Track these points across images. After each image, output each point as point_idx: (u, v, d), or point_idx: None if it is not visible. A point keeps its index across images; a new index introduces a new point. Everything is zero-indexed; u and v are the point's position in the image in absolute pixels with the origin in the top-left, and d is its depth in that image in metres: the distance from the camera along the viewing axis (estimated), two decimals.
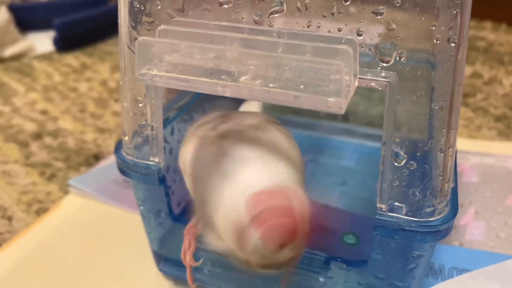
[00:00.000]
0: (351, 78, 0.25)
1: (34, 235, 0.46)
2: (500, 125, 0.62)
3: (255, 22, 0.29)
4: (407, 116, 0.28)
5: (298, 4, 0.27)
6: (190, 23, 0.30)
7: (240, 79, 0.26)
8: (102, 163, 0.57)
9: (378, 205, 0.29)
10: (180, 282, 0.40)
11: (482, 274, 0.38)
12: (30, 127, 0.65)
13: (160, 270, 0.40)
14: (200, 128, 0.32)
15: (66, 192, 0.52)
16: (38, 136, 0.63)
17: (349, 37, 0.26)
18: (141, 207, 0.38)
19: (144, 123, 0.34)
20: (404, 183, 0.29)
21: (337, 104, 0.25)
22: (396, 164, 0.28)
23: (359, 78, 0.27)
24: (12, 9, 0.92)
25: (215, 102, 0.47)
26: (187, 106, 0.42)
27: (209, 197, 0.28)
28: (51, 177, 0.55)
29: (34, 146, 0.61)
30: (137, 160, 0.35)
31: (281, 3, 0.28)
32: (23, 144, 0.61)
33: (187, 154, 0.32)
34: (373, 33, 0.27)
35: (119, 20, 0.32)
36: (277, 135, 0.30)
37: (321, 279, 0.34)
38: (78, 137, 0.63)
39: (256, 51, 0.26)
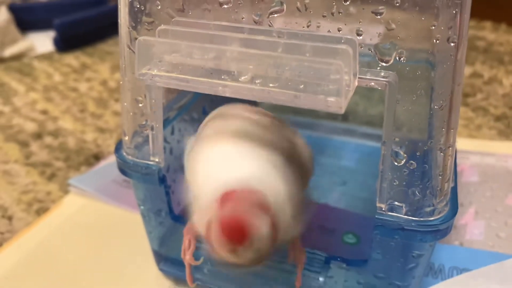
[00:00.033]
0: (350, 78, 0.25)
1: (34, 234, 0.46)
2: (500, 125, 0.62)
3: (255, 22, 0.29)
4: (407, 116, 0.28)
5: (298, 4, 0.27)
6: (190, 23, 0.30)
7: (240, 79, 0.26)
8: (102, 163, 0.57)
9: (378, 205, 0.29)
10: (181, 282, 0.40)
11: (482, 273, 0.38)
12: (31, 127, 0.66)
13: (160, 269, 0.41)
14: (202, 126, 0.33)
15: (66, 192, 0.52)
16: (38, 136, 0.63)
17: (349, 37, 0.27)
18: (141, 207, 0.38)
19: (144, 123, 0.34)
20: (404, 183, 0.29)
21: (337, 104, 0.25)
22: (396, 163, 0.28)
23: (359, 77, 0.27)
24: (12, 9, 0.92)
25: (215, 102, 0.47)
26: (187, 106, 0.42)
27: (195, 191, 0.28)
28: (51, 177, 0.55)
29: (34, 146, 0.61)
30: (137, 160, 0.35)
31: (281, 3, 0.28)
32: (24, 144, 0.61)
33: (186, 152, 0.32)
34: (372, 33, 0.27)
35: (119, 20, 0.32)
36: (271, 129, 0.30)
37: (321, 279, 0.34)
38: (78, 137, 0.63)
39: (256, 51, 0.26)
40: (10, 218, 0.49)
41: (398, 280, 0.32)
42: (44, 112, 0.70)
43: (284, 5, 0.28)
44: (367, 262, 0.32)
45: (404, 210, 0.29)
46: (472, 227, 0.45)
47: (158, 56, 0.28)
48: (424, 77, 0.27)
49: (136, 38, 0.28)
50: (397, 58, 0.27)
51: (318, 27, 0.28)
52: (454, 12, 0.25)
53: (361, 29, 0.27)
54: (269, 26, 0.28)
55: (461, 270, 0.40)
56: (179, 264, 0.38)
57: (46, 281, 0.41)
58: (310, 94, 0.25)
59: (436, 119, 0.27)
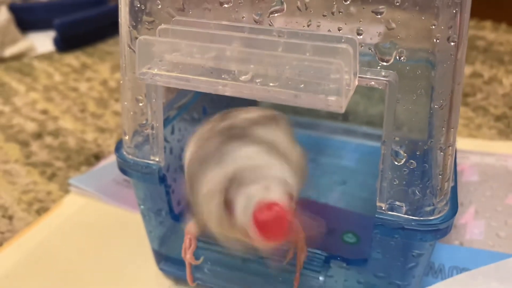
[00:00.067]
0: (351, 77, 0.25)
1: (34, 234, 0.46)
2: (500, 125, 0.62)
3: (255, 22, 0.29)
4: (407, 115, 0.28)
5: (298, 3, 0.27)
6: (190, 23, 0.30)
7: (240, 78, 0.26)
8: (103, 163, 0.57)
9: (378, 204, 0.30)
10: (181, 281, 0.40)
11: (482, 273, 0.38)
12: (31, 126, 0.66)
13: (161, 269, 0.41)
14: (202, 127, 0.33)
15: (66, 192, 0.52)
16: (38, 135, 0.63)
17: (349, 36, 0.27)
18: (142, 206, 0.38)
19: (144, 122, 0.34)
20: (404, 182, 0.29)
21: (337, 103, 0.25)
22: (396, 163, 0.28)
23: (359, 77, 0.27)
24: (13, 9, 0.92)
25: (215, 101, 0.47)
26: (187, 106, 0.42)
27: (199, 179, 0.28)
28: (51, 177, 0.55)
29: (34, 146, 0.61)
30: (138, 159, 0.35)
31: (281, 3, 0.28)
32: (24, 144, 0.61)
33: (187, 151, 0.32)
34: (373, 32, 0.27)
35: (119, 20, 0.32)
36: (273, 132, 0.30)
37: (321, 278, 0.34)
38: (78, 137, 0.63)
39: (256, 50, 0.26)
40: (10, 218, 0.49)
41: (398, 279, 0.32)
42: (45, 112, 0.70)
43: (285, 4, 0.28)
44: (367, 262, 0.32)
45: (404, 209, 0.29)
46: (472, 226, 0.45)
47: (158, 55, 0.28)
48: (424, 77, 0.27)
49: (136, 38, 0.28)
50: (397, 57, 0.27)
51: (318, 26, 0.28)
52: (454, 11, 0.25)
53: (361, 28, 0.27)
54: (270, 25, 0.29)
55: (461, 270, 0.40)
56: (179, 263, 0.38)
57: (46, 280, 0.41)
58: (310, 93, 0.25)
59: (436, 118, 0.27)
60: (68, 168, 0.56)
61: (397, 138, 0.28)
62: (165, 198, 0.36)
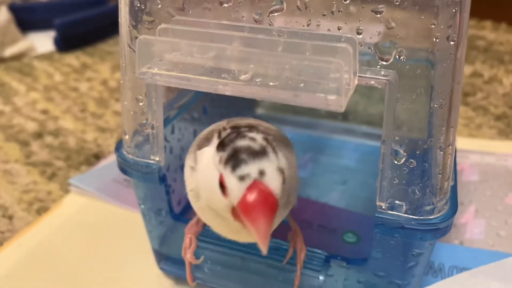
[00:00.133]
0: (350, 76, 0.25)
1: (34, 234, 0.46)
2: (500, 124, 0.62)
3: (255, 21, 0.29)
4: (406, 115, 0.28)
5: (298, 3, 0.27)
6: (190, 22, 0.30)
7: (240, 78, 0.26)
8: (103, 163, 0.57)
9: (378, 203, 0.30)
10: (181, 281, 0.40)
11: (482, 272, 0.38)
12: (31, 126, 0.66)
13: (161, 268, 0.41)
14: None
15: (66, 191, 0.52)
16: (39, 135, 0.63)
17: (349, 35, 0.27)
18: (142, 206, 0.38)
19: (144, 122, 0.34)
20: (404, 181, 0.29)
21: (337, 102, 0.25)
22: (395, 162, 0.28)
23: (359, 76, 0.27)
24: (13, 9, 0.92)
25: (215, 101, 0.47)
26: (187, 105, 0.42)
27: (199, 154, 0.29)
28: (52, 176, 0.55)
29: (35, 146, 0.61)
30: (138, 159, 0.35)
31: (281, 2, 0.28)
32: (24, 144, 0.61)
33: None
34: (372, 31, 0.27)
35: (119, 19, 0.32)
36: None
37: (321, 277, 0.34)
38: (78, 137, 0.63)
39: (256, 49, 0.26)
40: (10, 218, 0.49)
41: (398, 278, 0.32)
42: (45, 112, 0.70)
43: (284, 4, 0.28)
44: (367, 261, 0.32)
45: (404, 208, 0.29)
46: (472, 226, 0.45)
47: (158, 55, 0.28)
48: (424, 76, 0.27)
49: (136, 37, 0.28)
50: (397, 56, 0.27)
51: (318, 26, 0.28)
52: (453, 10, 0.25)
53: (361, 27, 0.27)
54: (269, 25, 0.29)
55: (461, 269, 0.40)
56: (180, 263, 0.38)
57: (46, 280, 0.41)
58: (310, 92, 0.25)
59: (436, 117, 0.27)
60: (68, 167, 0.56)
61: (397, 137, 0.28)
62: (165, 198, 0.36)
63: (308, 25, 0.28)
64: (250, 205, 0.24)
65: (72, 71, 0.83)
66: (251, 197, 0.24)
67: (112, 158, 0.57)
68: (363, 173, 0.51)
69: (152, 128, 0.34)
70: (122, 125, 0.35)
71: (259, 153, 0.25)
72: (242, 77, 0.26)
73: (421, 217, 0.29)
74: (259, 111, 0.60)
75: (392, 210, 0.29)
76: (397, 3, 0.26)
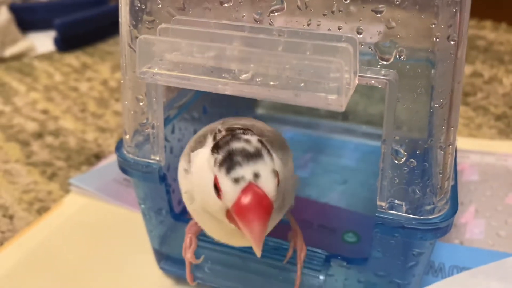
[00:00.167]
0: (351, 76, 0.25)
1: (35, 234, 0.46)
2: (500, 124, 0.62)
3: (256, 21, 0.29)
4: (407, 114, 0.28)
5: (298, 2, 0.28)
6: (190, 22, 0.30)
7: (240, 77, 0.26)
8: (103, 162, 0.57)
9: (378, 203, 0.30)
10: (181, 281, 0.40)
11: (482, 272, 0.38)
12: (31, 126, 0.66)
13: (161, 268, 0.41)
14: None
15: (67, 191, 0.52)
16: (39, 135, 0.63)
17: (349, 35, 0.27)
18: (142, 206, 0.38)
19: (145, 121, 0.34)
20: (404, 181, 0.29)
21: (338, 102, 0.25)
22: (396, 162, 0.28)
23: (359, 76, 0.27)
24: (13, 9, 0.92)
25: (215, 101, 0.47)
26: (187, 105, 0.42)
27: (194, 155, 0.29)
28: (52, 176, 0.55)
29: (35, 146, 0.61)
30: (138, 159, 0.35)
31: (282, 2, 0.28)
32: (24, 144, 0.61)
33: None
34: (373, 31, 0.27)
35: (120, 19, 0.32)
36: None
37: (322, 277, 0.34)
38: (79, 137, 0.63)
39: (256, 49, 0.26)
40: (11, 217, 0.49)
41: (399, 278, 0.32)
42: (45, 111, 0.70)
43: (285, 3, 0.28)
44: (368, 261, 0.32)
45: (404, 208, 0.29)
46: (472, 226, 0.45)
47: (159, 55, 0.28)
48: (424, 76, 0.27)
49: (136, 37, 0.28)
50: (397, 56, 0.27)
51: (318, 25, 0.28)
52: (454, 10, 0.25)
53: (361, 27, 0.27)
54: (270, 24, 0.29)
55: (461, 269, 0.40)
56: (180, 262, 0.38)
57: (47, 280, 0.41)
58: (310, 92, 0.25)
59: (436, 117, 0.27)
60: (68, 167, 0.56)
61: (397, 137, 0.28)
62: (165, 197, 0.36)
63: (308, 25, 0.28)
64: (244, 208, 0.25)
65: (72, 71, 0.83)
66: (246, 199, 0.24)
67: (112, 158, 0.57)
68: (363, 173, 0.51)
69: (153, 127, 0.34)
70: (122, 124, 0.35)
71: (254, 156, 0.25)
72: (243, 76, 0.26)
73: (422, 217, 0.29)
74: (259, 111, 0.60)
75: (393, 210, 0.29)
76: (398, 2, 0.26)
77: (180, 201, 0.41)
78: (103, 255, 0.44)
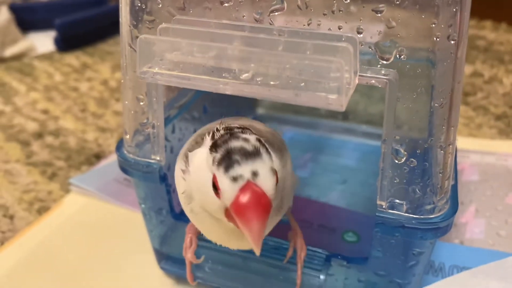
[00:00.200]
0: (351, 76, 0.25)
1: (35, 233, 0.46)
2: (500, 124, 0.62)
3: (256, 20, 0.29)
4: (407, 114, 0.28)
5: (299, 2, 0.28)
6: (191, 22, 0.30)
7: (241, 77, 0.26)
8: (103, 162, 0.57)
9: (378, 202, 0.30)
10: (182, 280, 0.40)
11: (482, 271, 0.38)
12: (32, 126, 0.66)
13: (162, 268, 0.41)
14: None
15: (67, 191, 0.52)
16: (39, 135, 0.63)
17: (349, 35, 0.27)
18: (143, 205, 0.38)
19: (145, 121, 0.34)
20: (404, 180, 0.29)
21: (338, 102, 0.25)
22: (396, 161, 0.29)
23: (360, 75, 0.27)
24: (13, 9, 0.92)
25: (216, 101, 0.47)
26: (188, 105, 0.42)
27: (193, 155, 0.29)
28: (52, 176, 0.55)
29: (35, 146, 0.61)
30: (139, 158, 0.35)
31: (282, 1, 0.28)
32: (25, 144, 0.62)
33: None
34: (373, 31, 0.27)
35: (120, 19, 0.32)
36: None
37: (322, 277, 0.34)
38: (79, 137, 0.63)
39: (257, 49, 0.26)
40: (11, 217, 0.49)
41: (399, 277, 0.32)
42: (45, 111, 0.70)
43: (285, 3, 0.28)
44: (368, 260, 0.33)
45: (404, 207, 0.29)
46: (472, 225, 0.45)
47: (159, 54, 0.28)
48: (425, 75, 0.27)
49: (137, 37, 0.28)
50: (398, 56, 0.27)
51: (318, 25, 0.28)
52: (454, 10, 0.25)
53: (361, 27, 0.27)
54: (270, 24, 0.29)
55: (461, 269, 0.40)
56: (180, 262, 0.38)
57: (47, 280, 0.41)
58: (311, 91, 0.25)
59: (436, 117, 0.27)
60: (68, 167, 0.56)
61: (397, 137, 0.28)
62: (166, 197, 0.36)
63: (308, 25, 0.28)
64: (243, 206, 0.24)
65: (72, 71, 0.83)
66: (244, 198, 0.24)
67: (112, 158, 0.57)
68: (363, 173, 0.51)
69: (153, 127, 0.34)
70: (122, 124, 0.35)
71: (252, 154, 0.25)
72: (243, 76, 0.26)
73: (422, 216, 0.29)
74: (260, 110, 0.60)
75: (393, 209, 0.29)
76: (398, 2, 0.26)
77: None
78: (103, 255, 0.44)
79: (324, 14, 0.27)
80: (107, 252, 0.44)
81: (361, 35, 0.27)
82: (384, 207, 0.29)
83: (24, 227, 0.47)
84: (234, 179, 0.25)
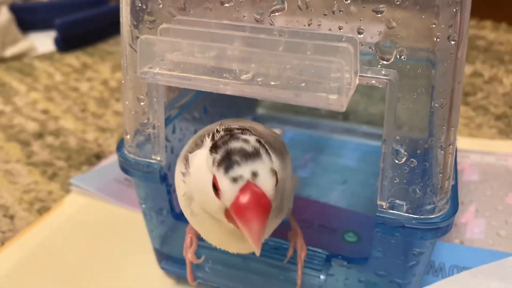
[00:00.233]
0: (351, 76, 0.26)
1: (36, 234, 0.46)
2: (500, 124, 0.62)
3: (256, 21, 0.29)
4: (407, 114, 0.28)
5: (299, 2, 0.28)
6: (191, 22, 0.30)
7: (241, 77, 0.26)
8: (104, 162, 0.57)
9: (378, 203, 0.30)
10: (182, 280, 0.40)
11: (482, 271, 0.38)
12: (32, 126, 0.66)
13: (162, 268, 0.41)
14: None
15: (67, 191, 0.52)
16: (39, 135, 0.63)
17: (350, 35, 0.27)
18: (143, 205, 0.39)
19: (146, 121, 0.34)
20: (405, 181, 0.29)
21: (338, 102, 0.25)
22: (396, 161, 0.29)
23: (360, 76, 0.27)
24: (13, 9, 0.92)
25: (216, 101, 0.47)
26: (188, 105, 0.42)
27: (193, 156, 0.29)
28: (52, 176, 0.55)
29: (35, 146, 0.61)
30: (139, 159, 0.35)
31: (282, 2, 0.28)
32: (25, 144, 0.62)
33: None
34: (373, 31, 0.27)
35: (121, 19, 0.32)
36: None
37: (322, 277, 0.34)
38: (79, 137, 0.63)
39: (257, 49, 0.26)
40: (12, 217, 0.49)
41: (399, 277, 0.32)
42: (45, 111, 0.70)
43: (285, 3, 0.28)
44: (368, 260, 0.33)
45: (404, 208, 0.29)
46: (472, 225, 0.45)
47: (160, 55, 0.28)
48: (425, 75, 0.27)
49: (137, 37, 0.28)
50: (398, 56, 0.27)
51: (319, 25, 0.28)
52: (454, 10, 0.25)
53: (362, 27, 0.27)
54: (271, 24, 0.29)
55: (461, 269, 0.40)
56: (181, 262, 0.38)
57: (47, 280, 0.41)
58: (311, 92, 0.25)
59: (436, 117, 0.27)
60: (69, 167, 0.56)
61: (397, 137, 0.28)
62: (166, 197, 0.36)
63: (309, 25, 0.28)
64: (243, 207, 0.25)
65: (72, 71, 0.83)
66: (244, 198, 0.25)
67: (112, 158, 0.57)
68: (363, 173, 0.51)
69: (153, 127, 0.34)
70: (123, 124, 0.35)
71: (252, 155, 0.25)
72: (243, 76, 0.26)
73: (422, 217, 0.29)
74: (260, 111, 0.60)
75: (393, 210, 0.29)
76: (398, 2, 0.26)
77: None
78: (103, 255, 0.44)
79: (325, 15, 0.27)
80: (107, 252, 0.44)
81: (362, 36, 0.27)
82: (384, 207, 0.29)
83: (24, 227, 0.47)
84: (234, 179, 0.25)
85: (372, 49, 0.27)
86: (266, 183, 0.25)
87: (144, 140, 0.35)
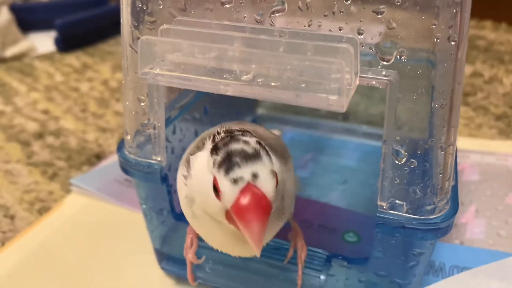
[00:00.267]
0: (352, 77, 0.26)
1: (36, 234, 0.46)
2: (500, 124, 0.62)
3: (257, 22, 0.29)
4: (407, 115, 0.28)
5: (299, 3, 0.28)
6: (192, 23, 0.30)
7: (242, 78, 0.26)
8: (104, 163, 0.57)
9: (379, 203, 0.30)
10: (183, 281, 0.40)
11: (482, 272, 0.38)
12: (32, 126, 0.66)
13: (162, 268, 0.41)
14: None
15: (68, 191, 0.52)
16: (40, 135, 0.63)
17: (350, 36, 0.27)
18: (143, 206, 0.39)
19: (146, 122, 0.34)
20: (405, 181, 0.29)
21: (339, 103, 0.25)
22: (396, 162, 0.29)
23: (360, 76, 0.27)
24: (14, 9, 0.92)
25: (216, 101, 0.47)
26: (189, 105, 0.42)
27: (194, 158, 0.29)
28: (53, 176, 0.55)
29: (36, 146, 0.61)
30: (140, 159, 0.35)
31: (283, 3, 0.28)
32: (25, 144, 0.62)
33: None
34: (373, 32, 0.27)
35: (121, 20, 0.32)
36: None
37: (322, 277, 0.34)
38: (79, 137, 0.63)
39: (257, 50, 0.26)
40: (12, 218, 0.49)
41: (399, 278, 0.33)
42: (46, 112, 0.70)
43: (286, 4, 0.28)
44: (368, 260, 0.33)
45: (405, 208, 0.29)
46: (472, 225, 0.45)
47: (160, 55, 0.28)
48: (425, 76, 0.27)
49: (138, 38, 0.28)
50: (398, 57, 0.27)
51: (319, 26, 0.28)
52: (454, 11, 0.25)
53: (362, 28, 0.27)
54: (271, 25, 0.29)
55: (461, 269, 0.40)
56: (181, 263, 0.38)
57: (47, 280, 0.41)
58: (311, 92, 0.25)
59: (436, 117, 0.27)
60: (69, 168, 0.57)
61: (398, 137, 0.28)
62: (166, 198, 0.36)
63: (309, 26, 0.28)
64: (243, 208, 0.25)
65: (72, 71, 0.83)
66: (245, 200, 0.25)
67: (113, 158, 0.57)
68: (363, 173, 0.51)
69: (154, 128, 0.34)
70: (123, 125, 0.35)
71: (252, 156, 0.25)
72: (244, 77, 0.26)
73: (422, 217, 0.29)
74: (260, 111, 0.60)
75: (393, 210, 0.29)
76: (398, 3, 0.26)
77: None
78: (104, 255, 0.44)
79: (325, 15, 0.27)
80: (107, 252, 0.44)
81: (362, 36, 0.27)
82: (384, 207, 0.30)
83: (24, 227, 0.48)
84: (235, 181, 0.25)
85: (372, 50, 0.27)
86: (266, 185, 0.25)
87: (144, 140, 0.35)
